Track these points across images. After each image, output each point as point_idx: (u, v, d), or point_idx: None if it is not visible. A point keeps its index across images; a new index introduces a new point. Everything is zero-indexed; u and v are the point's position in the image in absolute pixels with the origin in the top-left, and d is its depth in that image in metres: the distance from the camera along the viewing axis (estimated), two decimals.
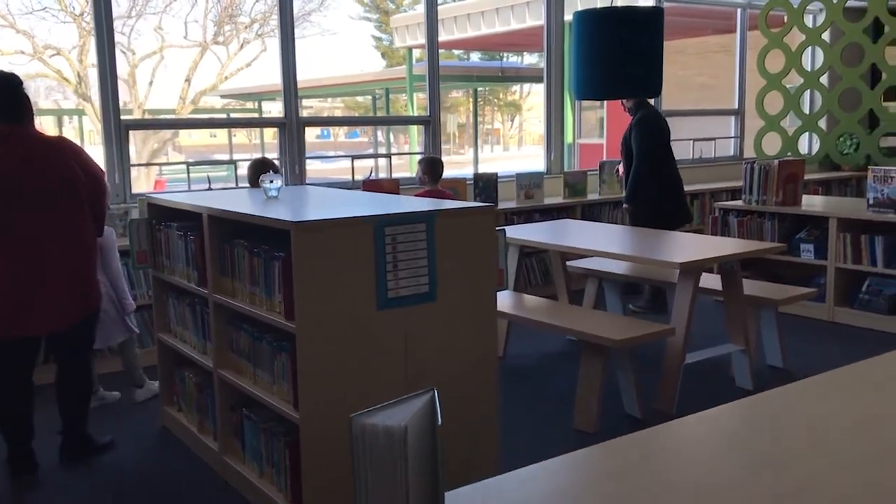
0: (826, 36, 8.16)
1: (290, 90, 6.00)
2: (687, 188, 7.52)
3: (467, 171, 8.56)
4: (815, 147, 8.85)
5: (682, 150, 9.77)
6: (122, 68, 20.58)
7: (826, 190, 8.41)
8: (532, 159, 18.05)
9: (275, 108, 27.99)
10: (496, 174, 6.50)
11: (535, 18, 12.33)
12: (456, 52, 22.54)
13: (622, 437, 1.58)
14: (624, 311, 5.41)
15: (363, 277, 2.75)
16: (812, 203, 6.17)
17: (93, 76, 20.34)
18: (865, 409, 1.68)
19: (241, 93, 25.11)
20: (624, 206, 5.77)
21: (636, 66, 4.41)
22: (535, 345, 5.20)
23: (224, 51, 19.15)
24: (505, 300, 4.37)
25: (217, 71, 19.22)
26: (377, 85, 21.15)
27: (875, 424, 1.58)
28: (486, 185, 6.43)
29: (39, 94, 23.71)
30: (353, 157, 6.44)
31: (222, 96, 26.79)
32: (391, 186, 5.92)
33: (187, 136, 29.61)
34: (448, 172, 6.22)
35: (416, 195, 5.42)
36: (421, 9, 6.59)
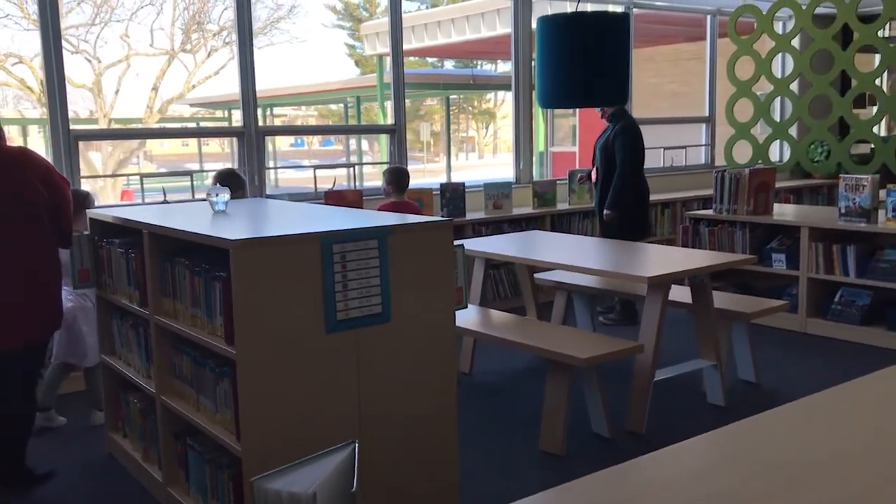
0: (796, 42, 8.10)
1: (249, 99, 5.81)
2: (658, 197, 7.47)
3: (441, 179, 8.31)
4: (787, 155, 8.78)
5: (653, 158, 9.71)
6: (87, 77, 20.29)
7: (798, 198, 8.35)
8: (506, 167, 17.99)
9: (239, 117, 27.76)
10: (463, 184, 6.35)
11: (505, 26, 12.24)
12: (430, 59, 22.42)
13: (587, 478, 1.44)
14: (593, 324, 5.28)
15: (310, 298, 2.57)
16: (783, 212, 6.07)
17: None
18: (843, 441, 1.54)
19: (210, 101, 24.84)
20: (605, 212, 5.64)
21: (601, 74, 4.28)
22: (504, 360, 5.04)
23: (192, 59, 18.86)
24: (470, 316, 4.21)
25: (184, 79, 18.91)
26: (350, 93, 20.97)
27: (856, 458, 1.44)
28: (453, 195, 6.27)
29: (7, 102, 23.30)
30: (315, 168, 6.25)
31: (191, 105, 26.51)
32: (354, 197, 5.76)
33: (158, 146, 29.24)
34: (422, 181, 6.10)
35: (380, 207, 5.28)
36: None
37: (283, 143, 39.60)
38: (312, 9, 22.87)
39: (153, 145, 30.46)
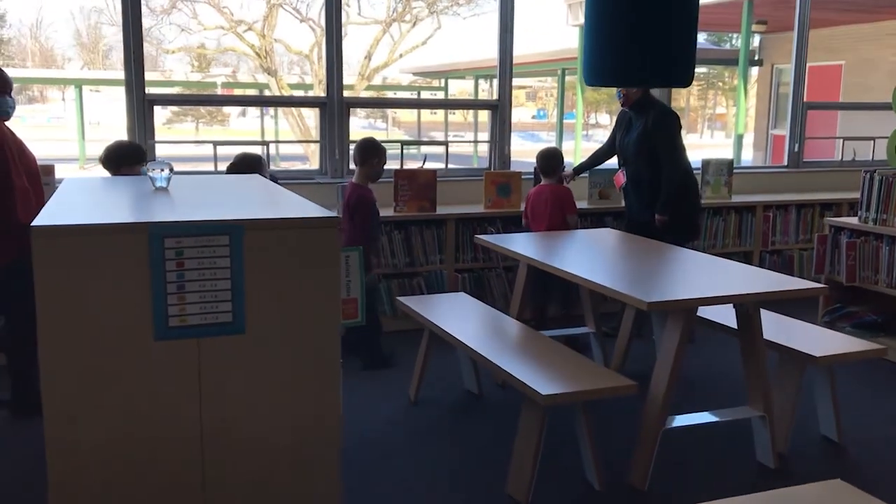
0: None
1: (335, 67, 5.53)
2: (826, 197, 6.33)
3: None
4: None
5: (825, 149, 8.33)
6: (306, 44, 21.20)
7: None
8: (745, 148, 16.63)
9: (458, 87, 27.84)
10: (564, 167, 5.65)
11: None
12: None
13: None
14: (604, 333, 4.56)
15: (133, 299, 2.21)
16: None
17: (279, 50, 21.10)
18: None
19: (426, 70, 25.17)
20: (658, 218, 4.79)
21: (665, 48, 3.51)
22: (461, 379, 4.34)
23: (397, 28, 19.05)
24: (471, 326, 3.67)
25: (389, 48, 19.16)
26: (558, 65, 20.34)
27: None
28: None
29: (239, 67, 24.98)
30: (403, 144, 5.86)
31: (414, 73, 27.03)
32: (425, 177, 5.32)
33: (408, 113, 30.08)
34: None
35: (530, 191, 5.05)
36: None
37: (525, 114, 39.50)
38: None
39: (403, 113, 31.47)
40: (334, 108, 5.54)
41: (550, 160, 5.03)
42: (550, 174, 5.02)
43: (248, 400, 2.35)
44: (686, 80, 3.62)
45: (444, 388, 4.25)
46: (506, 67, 5.86)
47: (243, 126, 29.68)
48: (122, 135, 5.11)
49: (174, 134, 27.52)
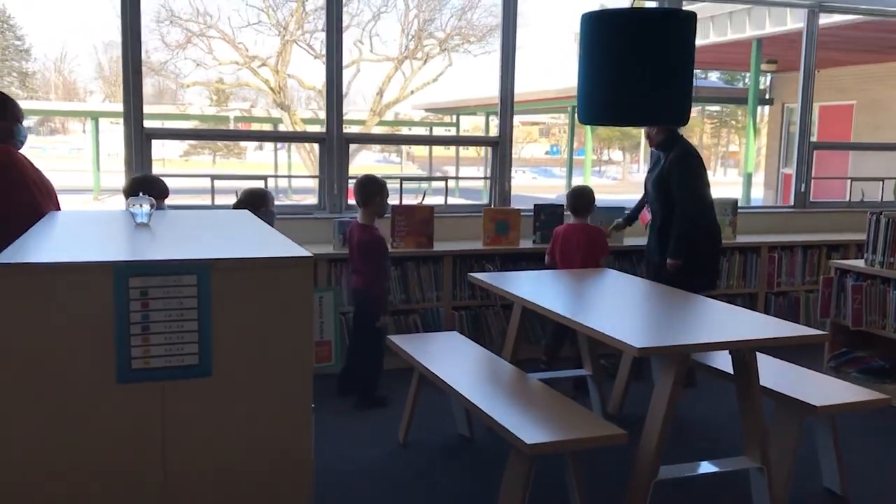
0: None
1: (335, 103, 5.51)
2: (833, 238, 6.22)
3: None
4: None
5: (835, 190, 8.23)
6: (320, 80, 21.38)
7: None
8: (756, 187, 16.58)
9: (470, 122, 27.95)
10: (563, 206, 5.57)
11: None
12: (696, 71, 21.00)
13: None
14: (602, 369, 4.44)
15: (96, 340, 2.13)
16: None
17: (293, 85, 21.23)
18: None
19: (438, 107, 25.29)
20: (669, 261, 4.68)
21: (662, 86, 3.45)
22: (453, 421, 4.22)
23: (409, 65, 19.18)
24: (459, 369, 3.57)
25: (400, 85, 19.28)
26: (568, 102, 20.39)
27: None
28: (549, 218, 5.56)
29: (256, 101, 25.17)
30: (402, 180, 5.80)
31: (426, 109, 27.17)
32: (421, 213, 5.25)
33: (422, 147, 30.23)
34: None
35: (557, 229, 4.98)
36: None
37: (538, 150, 39.64)
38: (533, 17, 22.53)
39: (417, 147, 31.62)
40: (333, 143, 5.51)
41: (581, 199, 4.94)
42: (581, 213, 4.92)
43: (214, 446, 2.25)
44: (681, 119, 3.56)
45: (435, 430, 4.14)
46: (507, 105, 5.82)
47: (260, 159, 29.90)
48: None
49: (191, 167, 27.73)
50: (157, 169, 5.28)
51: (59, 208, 3.96)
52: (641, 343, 2.85)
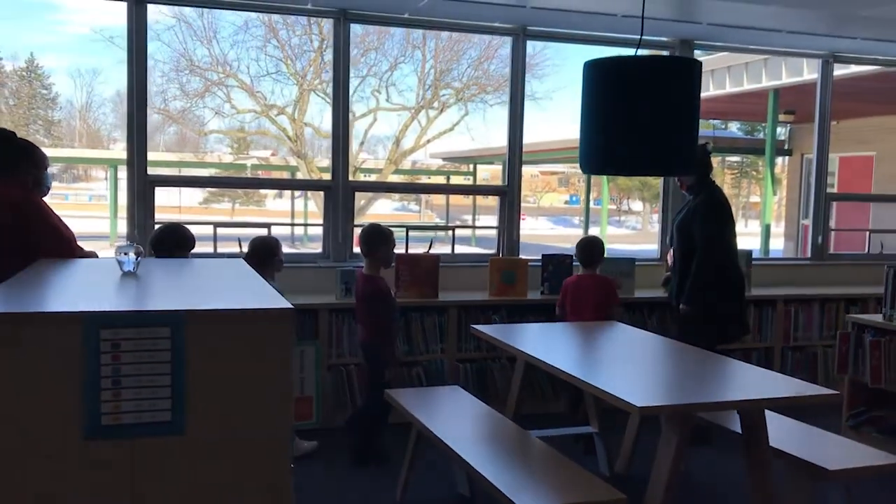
0: None
1: (340, 151, 5.47)
2: (851, 291, 6.07)
3: None
4: None
5: (854, 242, 8.10)
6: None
7: None
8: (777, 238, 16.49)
9: (490, 171, 27.98)
10: (571, 256, 5.46)
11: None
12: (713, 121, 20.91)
13: None
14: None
15: (64, 393, 2.04)
16: None
17: (311, 135, 21.40)
18: None
19: (455, 156, 25.40)
20: (680, 307, 4.56)
21: (664, 137, 3.36)
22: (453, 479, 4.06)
23: (425, 114, 19.27)
24: (456, 427, 3.44)
25: (417, 134, 19.35)
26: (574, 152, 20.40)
27: None
28: (557, 268, 5.45)
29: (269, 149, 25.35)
30: (408, 229, 5.71)
31: (443, 158, 27.30)
32: (427, 263, 5.16)
33: (439, 196, 30.40)
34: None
35: (567, 280, 4.92)
36: None
37: (559, 199, 39.76)
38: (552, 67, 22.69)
39: (435, 196, 31.79)
40: (338, 191, 5.46)
41: (590, 250, 4.89)
42: (591, 264, 4.86)
43: None
44: (684, 170, 3.47)
45: (434, 489, 3.99)
46: (515, 154, 5.76)
47: (278, 206, 30.06)
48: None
49: (210, 214, 27.91)
50: (169, 216, 5.24)
51: (76, 255, 3.91)
52: (644, 402, 2.72)
